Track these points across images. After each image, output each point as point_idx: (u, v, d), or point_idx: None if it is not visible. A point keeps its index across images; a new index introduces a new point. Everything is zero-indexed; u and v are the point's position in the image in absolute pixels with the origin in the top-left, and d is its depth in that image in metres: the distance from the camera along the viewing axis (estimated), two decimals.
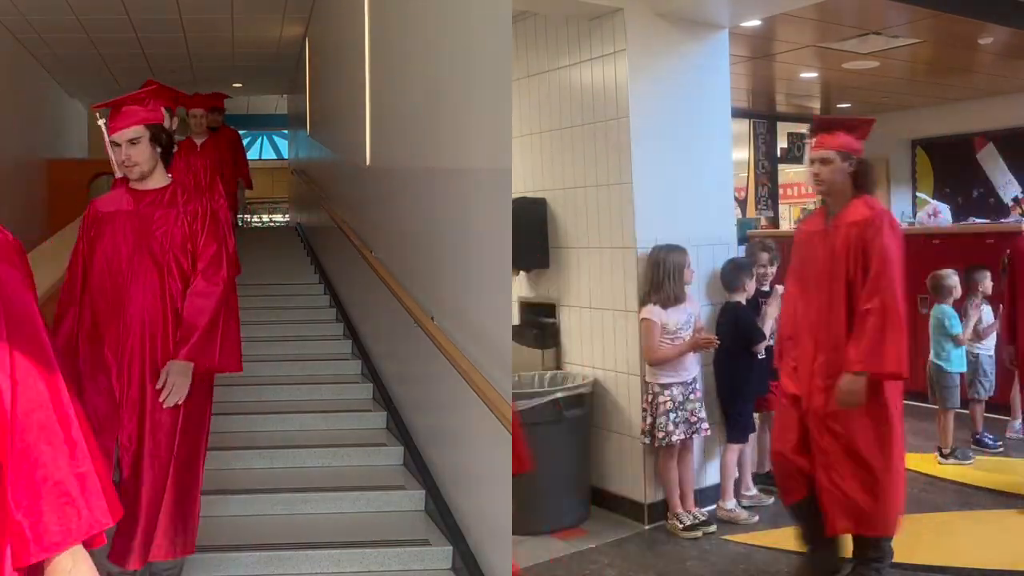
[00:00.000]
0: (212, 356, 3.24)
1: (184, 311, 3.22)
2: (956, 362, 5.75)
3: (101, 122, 3.39)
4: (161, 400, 3.14)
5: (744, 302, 4.86)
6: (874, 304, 3.48)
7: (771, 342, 4.66)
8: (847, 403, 3.54)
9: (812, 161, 3.72)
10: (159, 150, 3.29)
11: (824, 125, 3.81)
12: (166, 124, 4.37)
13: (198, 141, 6.85)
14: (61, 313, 3.30)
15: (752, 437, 4.95)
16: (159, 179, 3.32)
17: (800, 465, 3.71)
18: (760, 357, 4.80)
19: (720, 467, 4.87)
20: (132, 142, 3.22)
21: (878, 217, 3.60)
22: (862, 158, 3.72)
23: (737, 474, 4.84)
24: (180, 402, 3.16)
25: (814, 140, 3.75)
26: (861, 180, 3.69)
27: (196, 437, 3.30)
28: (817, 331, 3.68)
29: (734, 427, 4.80)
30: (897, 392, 3.68)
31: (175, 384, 3.15)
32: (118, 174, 3.32)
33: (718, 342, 4.62)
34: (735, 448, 4.80)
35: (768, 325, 4.83)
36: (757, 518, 4.74)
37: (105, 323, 3.23)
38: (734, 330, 4.74)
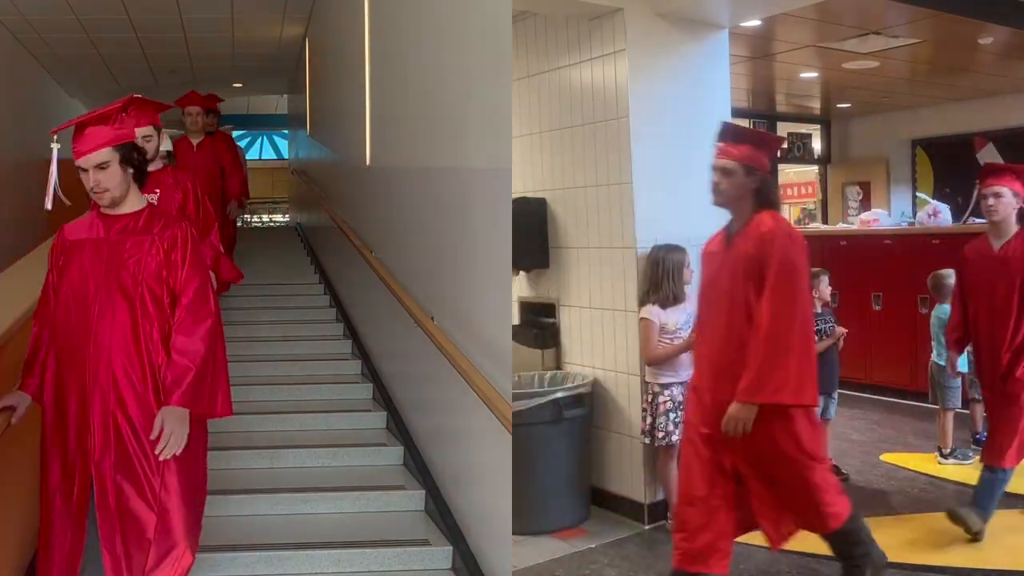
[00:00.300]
0: (206, 399, 2.95)
1: (173, 351, 2.90)
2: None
3: (55, 147, 2.89)
4: (157, 452, 2.82)
5: None
6: (766, 327, 3.20)
7: None
8: (732, 431, 3.28)
9: (713, 169, 3.45)
10: (131, 171, 2.97)
11: (730, 134, 3.53)
12: (159, 145, 4.17)
13: (194, 141, 6.82)
14: (33, 351, 3.03)
15: None
16: (133, 203, 3.00)
17: (708, 519, 3.38)
18: None
19: None
20: (100, 167, 2.89)
21: (777, 229, 3.32)
22: (766, 175, 3.47)
23: None
24: (178, 452, 2.86)
25: (718, 147, 3.47)
26: (764, 197, 3.43)
27: (192, 474, 3.02)
28: (719, 359, 3.40)
29: None
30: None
31: (172, 432, 2.82)
32: (48, 205, 2.95)
33: None
34: None
35: None
36: None
37: (70, 365, 2.92)
38: None
